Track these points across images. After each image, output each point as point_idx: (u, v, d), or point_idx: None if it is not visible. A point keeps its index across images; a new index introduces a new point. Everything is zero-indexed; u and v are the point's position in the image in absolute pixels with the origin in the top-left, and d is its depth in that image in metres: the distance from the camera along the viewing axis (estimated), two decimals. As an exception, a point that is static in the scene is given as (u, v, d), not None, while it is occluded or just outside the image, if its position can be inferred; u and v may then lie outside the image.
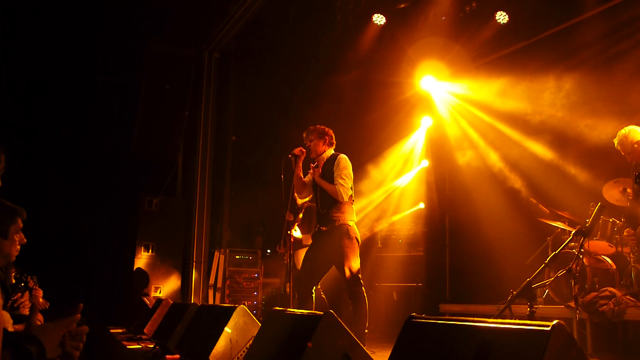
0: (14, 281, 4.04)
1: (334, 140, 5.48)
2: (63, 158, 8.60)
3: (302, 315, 2.96)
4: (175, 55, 9.00)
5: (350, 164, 5.28)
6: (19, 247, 3.22)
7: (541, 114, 7.31)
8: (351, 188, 5.25)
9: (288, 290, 5.11)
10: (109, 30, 8.56)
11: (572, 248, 5.76)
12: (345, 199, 5.13)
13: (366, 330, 4.99)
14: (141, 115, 8.96)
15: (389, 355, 2.16)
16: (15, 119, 8.04)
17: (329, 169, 5.26)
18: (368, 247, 9.04)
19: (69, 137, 8.66)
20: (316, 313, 2.66)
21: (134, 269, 8.84)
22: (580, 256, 5.46)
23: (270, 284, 9.42)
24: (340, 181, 5.12)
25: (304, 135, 5.50)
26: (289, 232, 5.23)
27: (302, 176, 5.35)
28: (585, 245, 5.57)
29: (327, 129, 5.47)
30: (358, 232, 5.22)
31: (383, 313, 8.44)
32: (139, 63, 8.97)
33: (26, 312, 3.82)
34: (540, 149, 7.42)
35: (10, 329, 2.81)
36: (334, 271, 5.17)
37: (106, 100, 8.89)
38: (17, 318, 3.26)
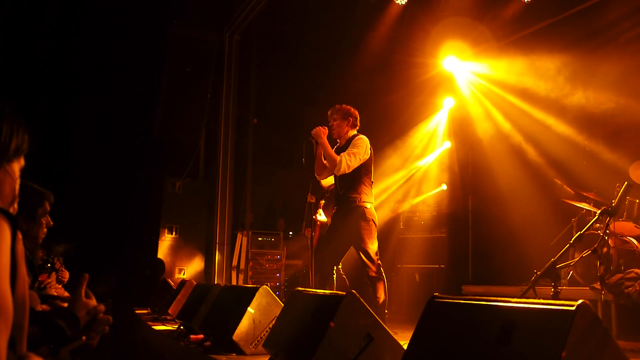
0: (40, 262, 4.11)
1: (358, 122, 5.35)
2: (87, 142, 8.69)
3: (324, 295, 2.97)
4: (197, 38, 9.02)
5: (367, 145, 5.15)
6: (45, 229, 3.27)
7: (566, 94, 7.19)
8: (366, 168, 5.15)
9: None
10: (131, 15, 8.59)
11: (597, 229, 5.68)
12: (338, 172, 5.00)
13: (386, 311, 4.98)
14: (164, 98, 9.00)
15: (411, 335, 2.16)
16: (39, 100, 8.12)
17: (345, 149, 5.20)
18: (390, 228, 9.02)
19: (92, 121, 8.74)
20: (338, 293, 2.67)
21: (158, 250, 8.95)
22: (606, 237, 5.42)
23: (292, 265, 9.46)
24: (345, 155, 5.00)
25: (329, 112, 5.39)
26: (313, 216, 5.19)
27: (323, 158, 5.30)
28: (611, 226, 5.49)
29: (352, 109, 5.34)
30: (375, 214, 5.14)
31: (405, 295, 8.46)
32: (161, 47, 9.01)
33: (53, 292, 3.90)
34: (565, 129, 7.29)
35: (38, 308, 2.86)
36: (355, 251, 5.15)
37: (129, 84, 8.93)
38: (43, 298, 3.32)
